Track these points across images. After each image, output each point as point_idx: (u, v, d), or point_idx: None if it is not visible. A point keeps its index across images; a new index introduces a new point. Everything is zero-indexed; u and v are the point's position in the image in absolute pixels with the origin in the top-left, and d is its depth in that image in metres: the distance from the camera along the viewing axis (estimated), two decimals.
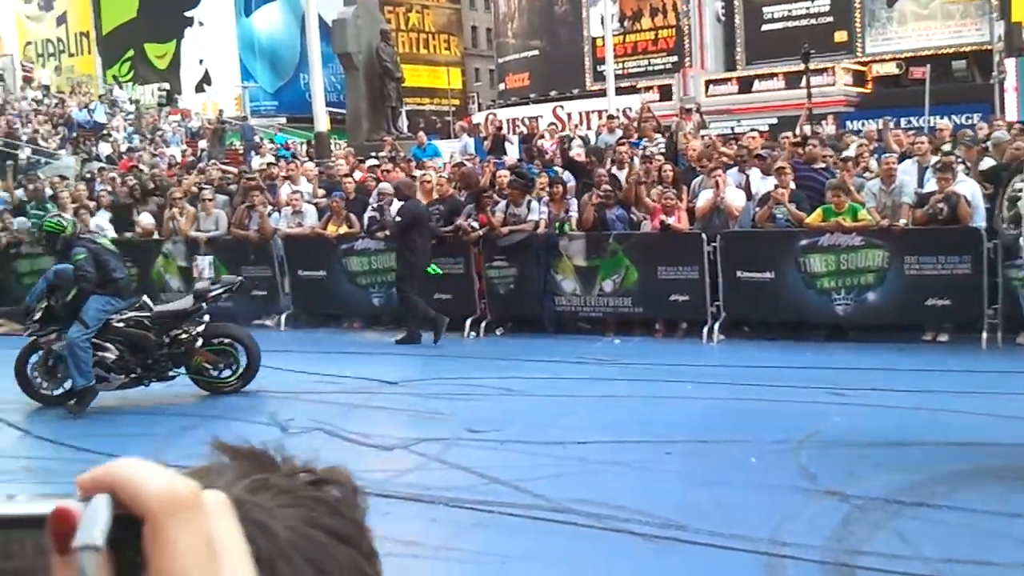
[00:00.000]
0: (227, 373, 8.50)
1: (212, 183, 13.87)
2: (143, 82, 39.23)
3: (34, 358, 8.29)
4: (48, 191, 14.98)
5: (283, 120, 34.09)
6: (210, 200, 12.59)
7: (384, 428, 7.27)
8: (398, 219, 10.62)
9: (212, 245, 12.22)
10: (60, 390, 8.29)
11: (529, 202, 10.97)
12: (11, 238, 13.65)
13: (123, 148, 24.11)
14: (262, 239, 11.92)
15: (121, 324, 8.15)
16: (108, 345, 8.09)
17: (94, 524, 0.43)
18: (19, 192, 15.62)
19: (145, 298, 8.54)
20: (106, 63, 43.30)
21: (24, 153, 22.68)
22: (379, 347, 10.50)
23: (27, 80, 34.48)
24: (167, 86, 38.07)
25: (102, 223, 13.02)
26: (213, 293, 8.52)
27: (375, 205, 11.91)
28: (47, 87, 32.02)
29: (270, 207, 12.42)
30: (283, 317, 11.86)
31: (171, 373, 8.39)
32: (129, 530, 0.44)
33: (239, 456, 0.61)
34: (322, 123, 19.09)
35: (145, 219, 12.85)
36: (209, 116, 30.48)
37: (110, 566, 0.44)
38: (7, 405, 8.57)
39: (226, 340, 8.52)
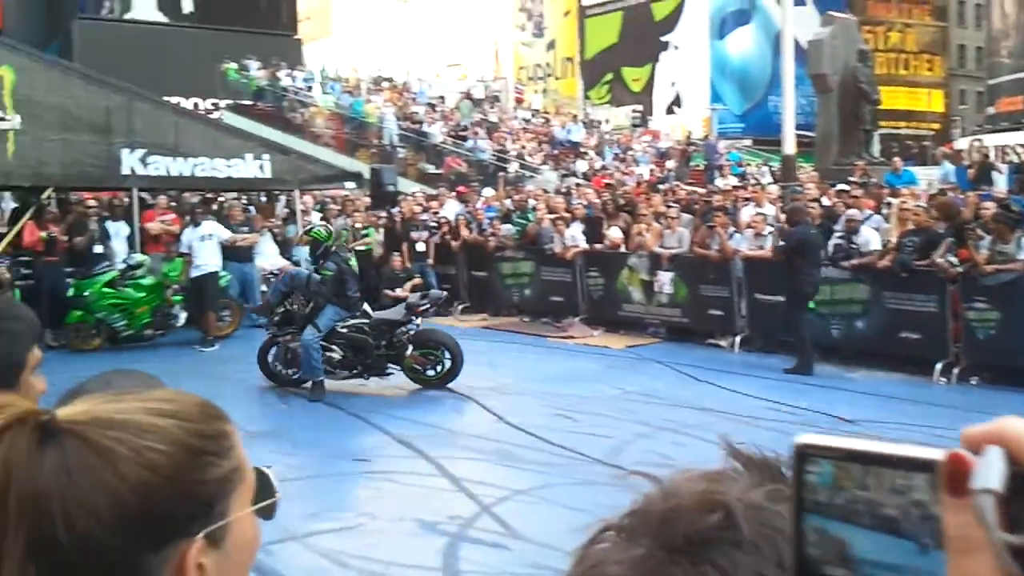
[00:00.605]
0: (431, 373, 9.80)
1: (680, 202, 14.26)
2: (618, 104, 41.56)
3: (274, 351, 9.90)
4: (531, 202, 16.45)
5: (748, 142, 34.10)
6: (675, 218, 12.97)
7: None
8: (782, 243, 10.72)
9: (674, 262, 12.57)
10: (295, 375, 9.76)
11: (1020, 239, 9.83)
12: (498, 242, 15.17)
13: (597, 166, 25.71)
14: (722, 259, 12.01)
15: (345, 330, 9.54)
16: (334, 347, 9.57)
17: (990, 471, 0.46)
18: (507, 202, 17.34)
19: (366, 307, 9.87)
20: (587, 86, 46.53)
21: (512, 167, 25.15)
22: (835, 380, 10.05)
23: (519, 101, 38.17)
24: (640, 108, 39.95)
25: (575, 234, 14.01)
26: (422, 307, 9.82)
27: (841, 232, 11.54)
28: (536, 110, 35.12)
29: (731, 228, 12.48)
30: (737, 339, 11.83)
31: (388, 371, 9.72)
32: (1020, 484, 0.47)
33: (751, 464, 0.63)
34: (790, 145, 18.77)
35: (614, 233, 13.58)
36: (677, 137, 31.43)
37: (1002, 512, 0.46)
38: (476, 389, 9.55)
39: (432, 343, 9.81)
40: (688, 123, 35.95)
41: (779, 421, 8.27)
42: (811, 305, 10.87)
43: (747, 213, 12.98)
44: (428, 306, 9.97)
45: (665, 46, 44.18)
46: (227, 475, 0.84)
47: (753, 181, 19.21)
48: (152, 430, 0.79)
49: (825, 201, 13.00)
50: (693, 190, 16.15)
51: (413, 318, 9.75)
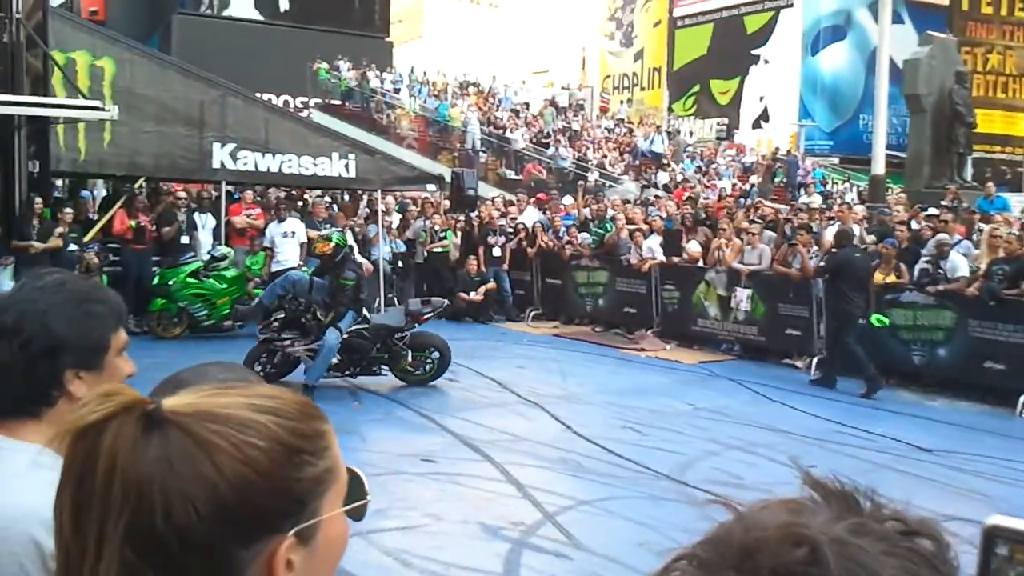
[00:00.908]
0: (420, 372, 10.06)
1: (764, 218, 14.05)
2: (704, 116, 41.15)
3: (267, 356, 9.68)
4: (610, 212, 16.39)
5: (836, 160, 33.46)
6: (756, 235, 12.77)
7: (912, 498, 6.68)
8: (821, 265, 11.15)
9: (752, 278, 12.38)
10: (272, 372, 9.61)
11: None
12: (574, 250, 15.15)
13: (679, 178, 25.50)
14: (803, 278, 11.79)
15: (345, 336, 9.52)
16: None
17: None
18: (585, 211, 17.32)
19: (365, 311, 9.95)
20: (672, 97, 46.08)
21: (592, 176, 25.09)
22: (914, 408, 9.79)
23: (603, 110, 38.07)
24: (726, 121, 39.49)
25: (653, 246, 13.91)
26: (425, 315, 9.95)
27: (928, 256, 11.26)
28: (621, 119, 34.99)
29: (814, 247, 12.24)
30: (814, 360, 11.57)
31: (375, 370, 9.88)
32: None
33: (829, 495, 0.62)
34: (879, 165, 18.37)
35: (692, 247, 13.44)
36: (763, 152, 31.00)
37: None
38: (545, 397, 9.55)
39: (424, 346, 10.01)
40: (775, 138, 35.43)
41: (852, 446, 8.10)
42: (883, 323, 10.62)
43: (831, 232, 12.72)
44: (430, 313, 10.11)
45: (756, 59, 43.51)
46: (321, 474, 0.85)
47: (839, 200, 18.84)
48: (252, 426, 0.81)
49: (914, 224, 12.67)
50: (778, 208, 15.88)
51: (415, 324, 9.92)
